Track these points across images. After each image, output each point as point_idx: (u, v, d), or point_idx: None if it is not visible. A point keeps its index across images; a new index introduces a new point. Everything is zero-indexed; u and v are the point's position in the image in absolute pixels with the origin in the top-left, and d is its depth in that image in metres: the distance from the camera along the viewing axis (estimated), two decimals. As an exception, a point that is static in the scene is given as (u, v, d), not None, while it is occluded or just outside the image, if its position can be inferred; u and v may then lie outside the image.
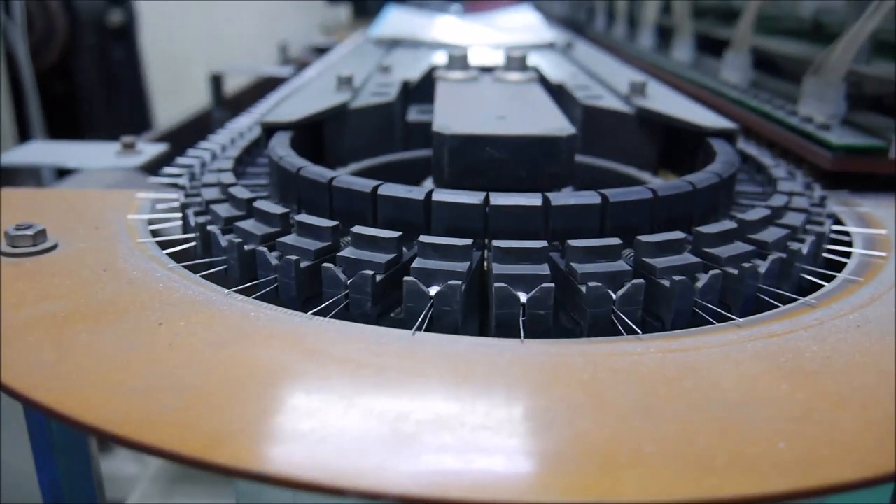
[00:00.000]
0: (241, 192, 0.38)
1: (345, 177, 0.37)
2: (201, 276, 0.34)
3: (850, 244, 0.39)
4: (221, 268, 0.35)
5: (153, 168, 0.54)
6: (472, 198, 0.34)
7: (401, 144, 0.57)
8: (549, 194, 0.34)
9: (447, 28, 1.07)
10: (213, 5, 2.45)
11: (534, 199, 0.34)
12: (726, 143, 0.46)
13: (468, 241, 0.31)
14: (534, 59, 0.71)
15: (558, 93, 0.61)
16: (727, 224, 0.35)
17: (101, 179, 0.58)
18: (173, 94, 2.01)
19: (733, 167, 0.40)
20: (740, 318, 0.31)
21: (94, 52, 1.66)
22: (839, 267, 0.37)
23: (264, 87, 1.08)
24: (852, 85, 0.55)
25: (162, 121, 1.60)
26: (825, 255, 0.38)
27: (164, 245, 0.38)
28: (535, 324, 0.30)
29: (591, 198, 0.34)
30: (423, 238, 0.32)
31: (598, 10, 1.41)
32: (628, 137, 0.53)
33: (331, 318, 0.30)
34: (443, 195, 0.34)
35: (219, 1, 2.44)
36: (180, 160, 0.50)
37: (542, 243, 0.31)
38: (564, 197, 0.34)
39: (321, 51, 1.29)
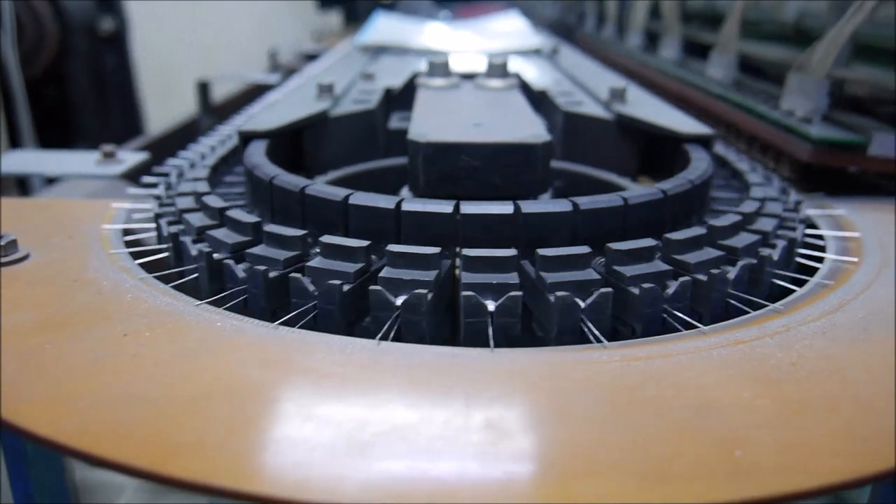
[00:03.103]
0: (214, 201, 0.38)
1: (317, 186, 0.37)
2: (173, 287, 0.34)
3: (823, 248, 0.39)
4: (193, 276, 0.35)
5: (138, 176, 0.54)
6: (442, 206, 0.34)
7: (382, 152, 0.57)
8: (520, 202, 0.34)
9: (434, 35, 1.07)
10: (205, 12, 2.45)
11: (504, 208, 0.34)
12: (702, 148, 0.46)
13: (436, 250, 0.31)
14: (519, 66, 0.71)
15: (541, 99, 0.61)
16: (697, 230, 0.35)
17: (84, 188, 0.58)
18: (165, 101, 2.01)
19: (707, 173, 0.40)
20: (710, 324, 0.31)
21: (85, 59, 1.65)
22: (812, 272, 0.37)
23: (253, 94, 1.09)
24: (833, 86, 0.55)
25: (153, 128, 1.60)
26: (798, 259, 0.38)
27: (137, 255, 0.38)
28: (504, 332, 0.30)
29: (561, 205, 0.34)
30: (392, 247, 0.32)
31: (588, 12, 1.41)
32: (608, 144, 0.53)
33: (299, 328, 0.30)
34: (412, 204, 0.34)
35: (211, 5, 2.44)
36: (158, 169, 0.50)
37: (512, 252, 0.31)
38: (535, 205, 0.34)
39: (311, 57, 1.29)
